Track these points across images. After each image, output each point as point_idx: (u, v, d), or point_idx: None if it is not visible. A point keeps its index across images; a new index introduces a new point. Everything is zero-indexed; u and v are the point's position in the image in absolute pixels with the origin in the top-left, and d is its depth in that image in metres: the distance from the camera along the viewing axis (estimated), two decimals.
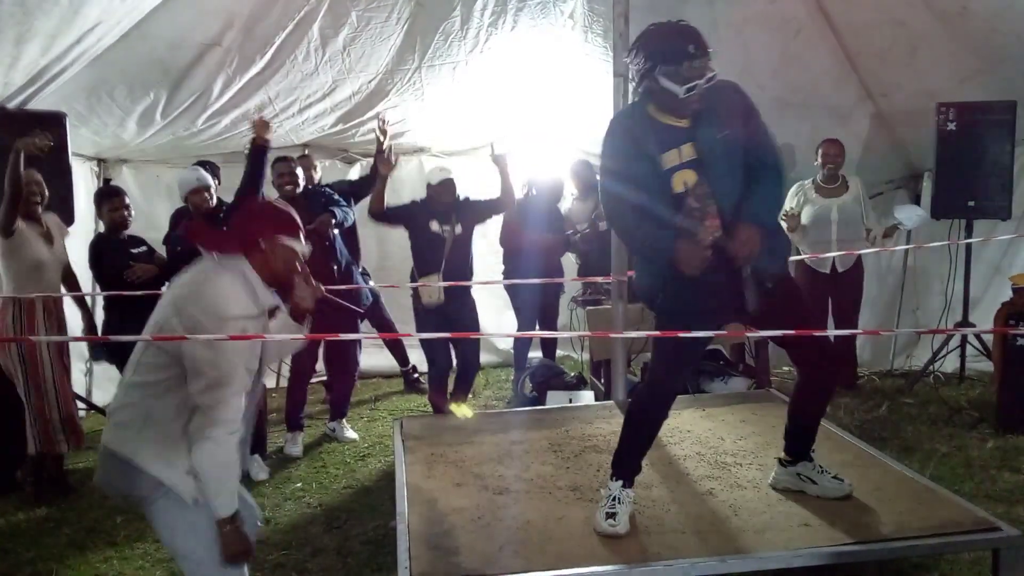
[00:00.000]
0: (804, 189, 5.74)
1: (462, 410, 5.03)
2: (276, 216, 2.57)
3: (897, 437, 4.81)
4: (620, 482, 3.00)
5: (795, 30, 5.52)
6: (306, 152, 6.33)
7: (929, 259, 6.17)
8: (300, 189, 4.96)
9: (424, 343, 5.43)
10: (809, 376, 3.10)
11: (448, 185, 5.07)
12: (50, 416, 4.26)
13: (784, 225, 5.43)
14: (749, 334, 3.38)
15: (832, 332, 4.82)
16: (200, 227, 3.06)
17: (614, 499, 2.95)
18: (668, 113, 2.84)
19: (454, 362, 5.35)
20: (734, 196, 2.81)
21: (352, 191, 5.41)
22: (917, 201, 6.33)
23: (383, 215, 5.10)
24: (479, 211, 5.23)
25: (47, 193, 4.31)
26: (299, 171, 5.01)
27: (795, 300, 3.05)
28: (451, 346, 5.26)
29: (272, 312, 2.59)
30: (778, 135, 6.32)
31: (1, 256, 4.13)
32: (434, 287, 4.97)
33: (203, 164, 5.17)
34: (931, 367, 5.83)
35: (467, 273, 5.25)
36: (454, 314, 5.05)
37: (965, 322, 5.69)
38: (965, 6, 4.89)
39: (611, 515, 2.89)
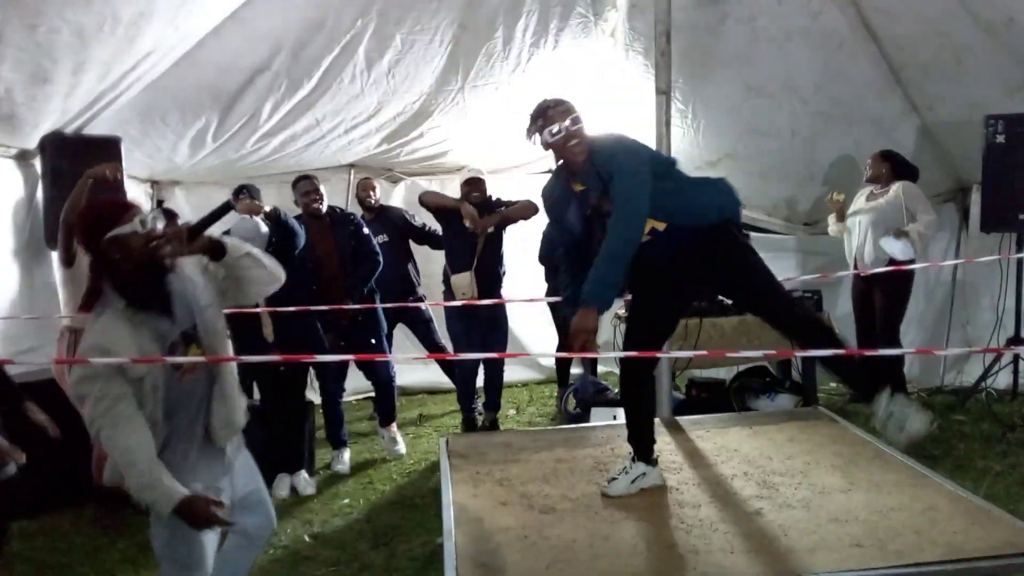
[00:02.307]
0: (860, 196, 5.69)
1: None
2: (93, 215, 2.48)
3: (949, 455, 4.72)
4: (631, 455, 3.39)
5: (837, 44, 5.48)
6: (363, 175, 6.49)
7: (978, 273, 6.07)
8: (325, 207, 5.07)
9: (453, 339, 5.56)
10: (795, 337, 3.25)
11: (479, 182, 5.34)
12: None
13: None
14: (731, 354, 3.61)
15: (888, 352, 4.75)
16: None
17: (623, 468, 3.37)
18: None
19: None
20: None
21: (414, 234, 5.79)
22: (966, 215, 6.24)
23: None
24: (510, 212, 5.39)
25: None
26: (323, 188, 5.13)
27: (753, 273, 3.16)
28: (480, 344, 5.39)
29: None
30: (822, 148, 6.35)
31: (62, 286, 4.20)
32: (466, 284, 5.09)
33: (242, 188, 5.31)
34: (983, 383, 5.72)
35: (499, 272, 5.39)
36: (484, 312, 5.16)
37: (1017, 338, 5.58)
38: (1011, 17, 4.82)
39: (612, 479, 3.34)
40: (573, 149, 3.11)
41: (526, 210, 5.34)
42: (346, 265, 5.08)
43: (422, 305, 5.63)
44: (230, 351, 2.70)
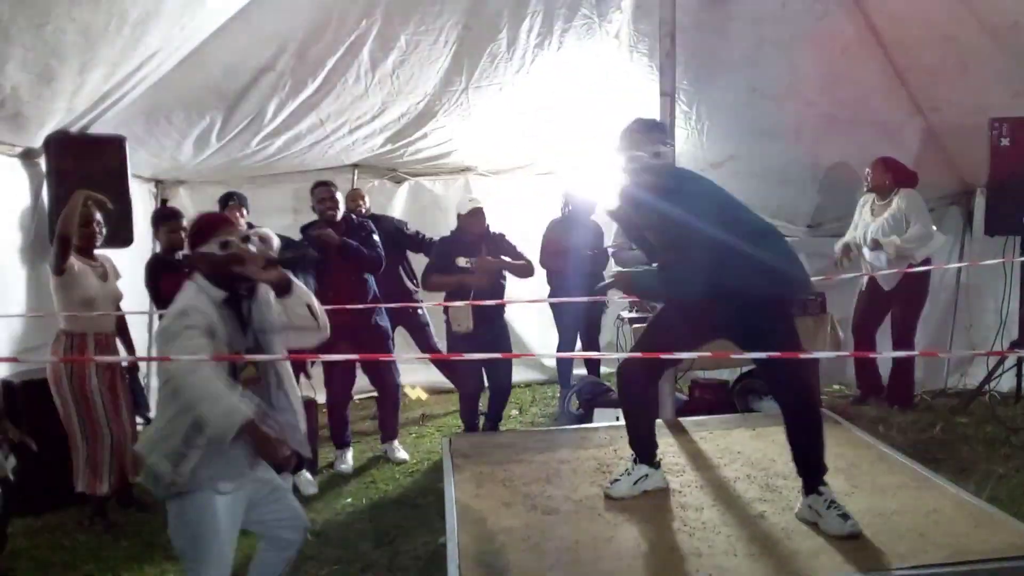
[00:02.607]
0: (864, 203, 5.70)
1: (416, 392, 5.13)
2: (201, 225, 2.87)
3: (953, 458, 4.72)
4: (634, 457, 3.41)
5: (842, 47, 5.48)
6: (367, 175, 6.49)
7: (982, 277, 6.06)
8: (340, 215, 5.07)
9: (454, 368, 5.53)
10: (783, 409, 3.16)
11: (477, 214, 5.19)
12: (101, 458, 4.22)
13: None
14: (735, 356, 3.53)
15: (891, 354, 4.76)
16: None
17: (625, 470, 3.40)
18: None
19: (485, 383, 5.45)
20: None
21: (408, 243, 5.82)
22: (970, 218, 6.23)
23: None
24: (505, 248, 5.29)
25: (105, 232, 4.33)
26: (339, 195, 5.13)
27: (783, 337, 3.07)
28: (483, 370, 5.34)
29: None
30: (826, 150, 6.34)
31: (53, 292, 4.16)
32: (464, 316, 5.03)
33: (231, 196, 5.35)
34: (987, 386, 5.71)
35: (497, 298, 5.29)
36: (486, 338, 5.08)
37: (1021, 341, 5.57)
38: (1017, 20, 4.82)
39: (614, 481, 3.37)
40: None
41: (524, 270, 5.30)
42: (355, 271, 5.07)
43: (422, 306, 5.62)
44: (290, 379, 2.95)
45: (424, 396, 5.60)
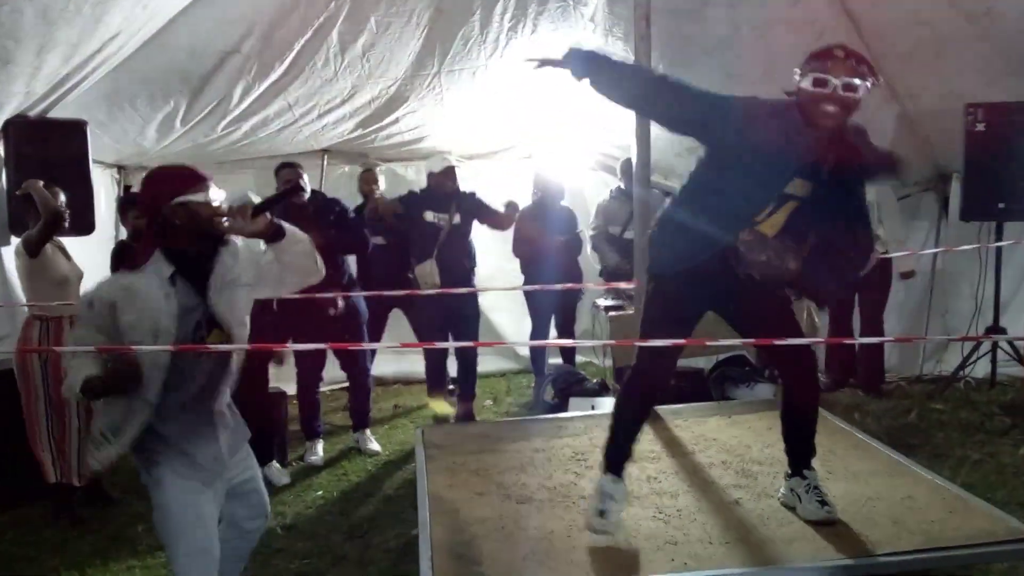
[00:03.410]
0: None
1: (441, 406, 5.12)
2: (165, 179, 2.55)
3: (927, 444, 4.73)
4: (610, 476, 2.97)
5: (818, 31, 5.44)
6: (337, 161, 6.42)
7: (958, 263, 6.06)
8: (308, 196, 4.94)
9: (420, 331, 5.55)
10: (788, 389, 3.10)
11: (450, 173, 5.24)
12: (68, 447, 4.14)
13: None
14: (710, 343, 3.36)
15: (865, 340, 4.75)
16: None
17: (606, 495, 2.90)
18: None
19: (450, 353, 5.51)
20: None
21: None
22: (946, 204, 6.24)
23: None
24: (480, 208, 5.35)
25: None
26: (305, 177, 5.01)
27: (782, 311, 3.02)
28: (449, 336, 5.35)
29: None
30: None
31: (25, 276, 4.09)
32: (429, 272, 5.04)
33: None
34: (961, 372, 5.73)
35: (467, 264, 5.37)
36: (453, 303, 5.09)
37: (996, 326, 5.59)
38: (990, 7, 4.81)
39: (602, 512, 2.85)
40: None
41: (500, 221, 5.35)
42: (330, 252, 4.95)
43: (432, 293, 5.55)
44: (246, 338, 2.68)
45: (451, 411, 5.55)
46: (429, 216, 5.17)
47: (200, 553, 2.53)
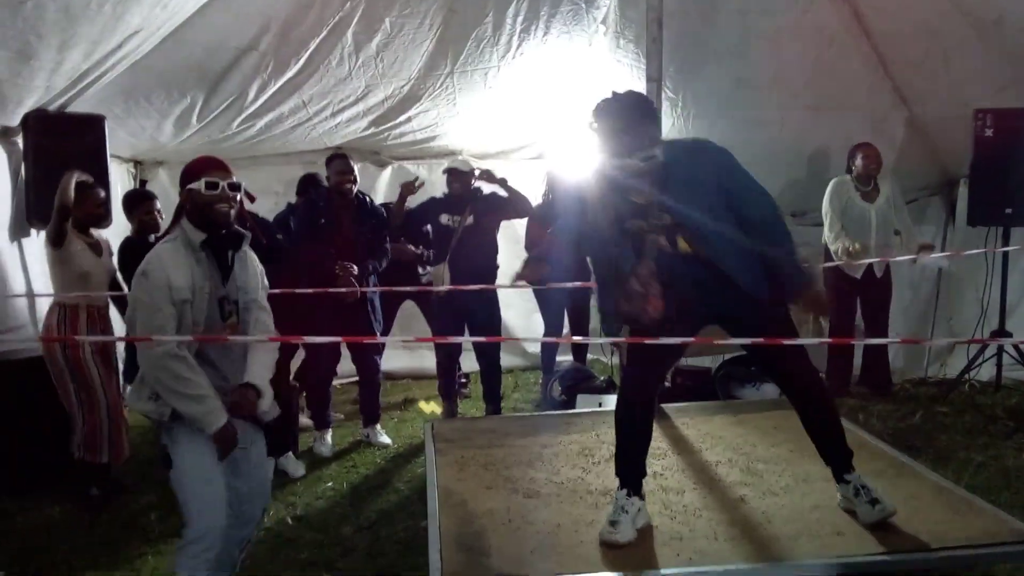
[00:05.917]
0: (848, 190, 5.64)
1: (430, 407, 5.34)
2: (187, 166, 2.80)
3: (932, 446, 4.75)
4: (624, 490, 2.99)
5: (828, 39, 5.48)
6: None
7: (964, 267, 6.09)
8: (356, 189, 5.00)
9: (435, 330, 5.54)
10: (792, 399, 3.11)
11: (458, 175, 5.20)
12: (99, 425, 4.22)
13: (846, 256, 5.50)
14: (719, 342, 3.40)
15: (871, 341, 4.76)
16: None
17: (620, 507, 2.95)
18: None
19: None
20: None
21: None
22: (953, 209, 6.26)
23: (405, 224, 5.27)
24: (496, 205, 5.31)
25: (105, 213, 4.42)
26: (356, 168, 5.06)
27: (781, 324, 3.04)
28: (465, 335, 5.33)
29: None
30: (810, 140, 6.35)
31: (50, 265, 4.19)
32: (440, 275, 5.07)
33: None
34: (966, 375, 5.76)
35: (485, 266, 5.30)
36: (469, 305, 5.09)
37: (1002, 331, 5.62)
38: (1001, 15, 4.84)
39: (613, 522, 2.89)
40: None
41: (517, 207, 5.32)
42: (358, 252, 4.99)
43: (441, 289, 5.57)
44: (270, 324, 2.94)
45: (438, 411, 5.61)
46: (444, 219, 5.18)
47: (213, 505, 2.67)
